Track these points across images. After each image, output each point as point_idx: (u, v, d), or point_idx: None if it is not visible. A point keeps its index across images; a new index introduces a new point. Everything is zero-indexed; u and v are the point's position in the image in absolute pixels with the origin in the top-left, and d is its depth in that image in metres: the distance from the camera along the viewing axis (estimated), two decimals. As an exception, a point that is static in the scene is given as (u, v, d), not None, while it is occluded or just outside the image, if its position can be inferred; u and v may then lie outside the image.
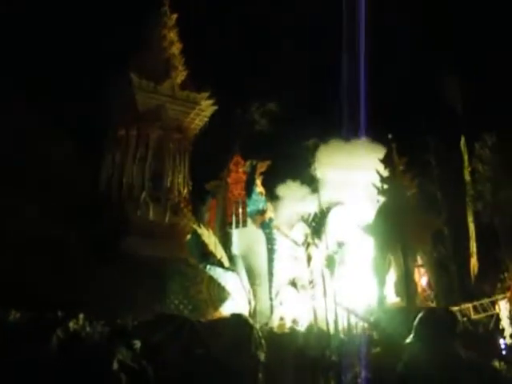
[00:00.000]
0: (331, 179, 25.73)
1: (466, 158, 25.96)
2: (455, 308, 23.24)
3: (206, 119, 28.30)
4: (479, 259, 25.19)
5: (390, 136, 21.76)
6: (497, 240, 23.86)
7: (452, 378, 3.44)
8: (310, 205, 26.49)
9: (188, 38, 29.53)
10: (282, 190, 29.20)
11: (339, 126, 30.57)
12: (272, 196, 28.64)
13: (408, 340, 3.83)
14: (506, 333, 23.52)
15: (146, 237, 22.42)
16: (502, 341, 23.56)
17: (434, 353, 3.55)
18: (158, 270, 20.98)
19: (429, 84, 31.37)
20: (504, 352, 22.76)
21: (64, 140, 23.57)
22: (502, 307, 23.37)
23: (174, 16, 29.21)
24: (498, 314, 23.95)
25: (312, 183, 26.86)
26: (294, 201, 28.19)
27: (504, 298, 23.17)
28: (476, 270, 24.70)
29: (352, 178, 25.89)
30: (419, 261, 18.65)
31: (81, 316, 11.28)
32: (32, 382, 5.63)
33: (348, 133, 29.47)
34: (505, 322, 23.29)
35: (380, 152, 22.62)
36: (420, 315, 3.82)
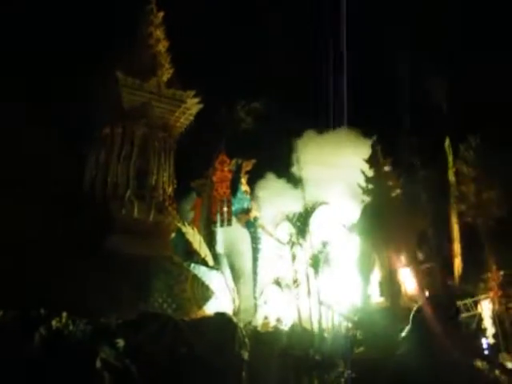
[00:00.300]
0: (314, 177, 25.81)
1: (450, 159, 26.11)
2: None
3: (191, 117, 28.21)
4: (463, 260, 25.34)
5: (374, 137, 21.89)
6: (480, 241, 24.02)
7: (437, 376, 3.44)
8: (294, 204, 26.58)
9: (175, 36, 29.43)
10: (267, 188, 29.24)
11: (323, 125, 30.79)
12: (257, 195, 28.69)
13: (404, 332, 3.81)
14: (489, 332, 23.72)
15: (130, 235, 22.31)
16: (484, 340, 23.78)
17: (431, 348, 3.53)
18: (142, 268, 20.90)
19: (414, 84, 31.52)
20: (486, 352, 22.94)
21: (48, 138, 23.39)
22: (485, 307, 23.56)
23: (161, 14, 29.11)
24: (480, 314, 24.14)
25: (297, 182, 26.96)
26: (279, 200, 28.24)
27: (487, 298, 23.36)
28: (460, 270, 24.84)
29: (334, 172, 26.03)
30: (403, 261, 18.76)
31: (64, 314, 11.22)
32: (15, 380, 5.59)
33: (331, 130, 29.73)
34: (487, 322, 23.48)
35: (361, 143, 22.78)
36: (418, 304, 3.80)
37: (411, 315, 3.80)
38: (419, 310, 3.74)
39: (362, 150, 23.36)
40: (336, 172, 26.99)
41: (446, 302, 3.81)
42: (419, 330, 3.65)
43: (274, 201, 28.56)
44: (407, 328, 3.77)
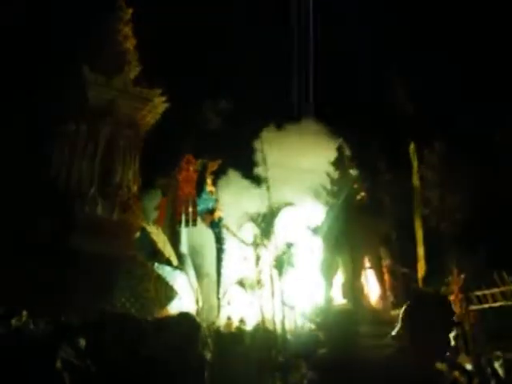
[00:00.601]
0: (277, 177, 25.88)
1: (415, 163, 26.41)
2: (401, 310, 23.65)
3: (158, 116, 28.10)
4: (426, 263, 25.63)
5: (340, 140, 22.02)
6: (443, 245, 24.36)
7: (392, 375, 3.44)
8: (259, 204, 26.61)
9: (143, 33, 29.24)
10: (232, 189, 29.21)
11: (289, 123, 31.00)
12: (222, 195, 28.65)
13: (394, 332, 3.76)
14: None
15: (93, 233, 22.09)
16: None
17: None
18: (104, 267, 20.69)
19: (380, 87, 31.81)
20: (447, 354, 23.13)
21: (10, 135, 23.05)
22: (446, 310, 23.90)
23: (130, 10, 28.90)
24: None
25: (261, 182, 27.00)
26: (244, 200, 28.24)
27: (448, 301, 23.67)
28: (424, 273, 25.14)
29: (298, 173, 26.16)
30: (367, 263, 18.91)
31: (24, 313, 11.05)
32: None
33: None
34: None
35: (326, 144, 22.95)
36: (406, 303, 3.68)
37: (402, 313, 3.67)
38: (412, 308, 3.61)
39: (327, 151, 23.51)
40: (300, 173, 27.12)
41: (441, 300, 3.69)
42: (410, 329, 3.56)
43: (238, 201, 28.56)
44: (397, 327, 3.71)
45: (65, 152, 25.27)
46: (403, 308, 3.67)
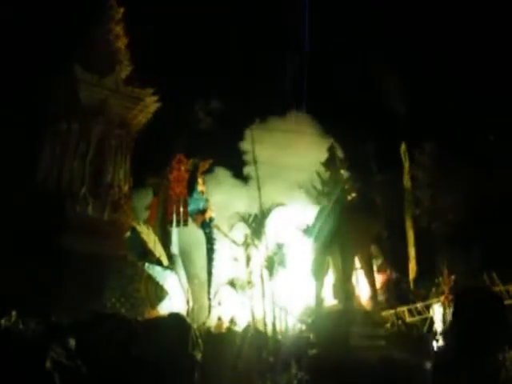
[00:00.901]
0: (268, 177, 25.89)
1: (406, 164, 26.49)
2: (391, 311, 23.75)
3: (149, 116, 28.02)
4: (417, 264, 25.73)
5: (332, 141, 22.05)
6: (433, 245, 24.46)
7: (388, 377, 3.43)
8: (250, 205, 26.62)
9: (135, 33, 29.14)
10: (223, 189, 29.21)
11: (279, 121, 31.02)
12: (213, 195, 28.64)
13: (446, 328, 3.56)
14: (439, 336, 24.15)
15: (84, 233, 21.98)
16: (434, 344, 24.21)
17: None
18: (95, 267, 20.64)
19: (372, 88, 31.87)
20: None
21: (2, 132, 22.95)
22: (436, 311, 24.01)
23: (121, 10, 28.77)
24: (432, 318, 24.59)
25: (252, 182, 27.00)
26: (235, 200, 28.23)
27: (438, 302, 23.80)
28: (414, 274, 25.23)
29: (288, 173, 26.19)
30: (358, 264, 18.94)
31: (13, 313, 11.01)
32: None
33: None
34: (438, 326, 23.93)
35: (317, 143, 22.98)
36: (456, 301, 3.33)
37: (453, 309, 3.29)
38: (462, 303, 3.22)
39: (318, 150, 23.56)
40: (290, 172, 27.20)
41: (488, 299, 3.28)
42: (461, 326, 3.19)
43: (230, 201, 28.58)
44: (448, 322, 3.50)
45: (56, 151, 25.14)
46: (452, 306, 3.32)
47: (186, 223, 25.89)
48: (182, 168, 26.63)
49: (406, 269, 26.01)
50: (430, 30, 32.92)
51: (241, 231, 27.35)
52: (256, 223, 26.13)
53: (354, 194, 19.54)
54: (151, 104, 27.48)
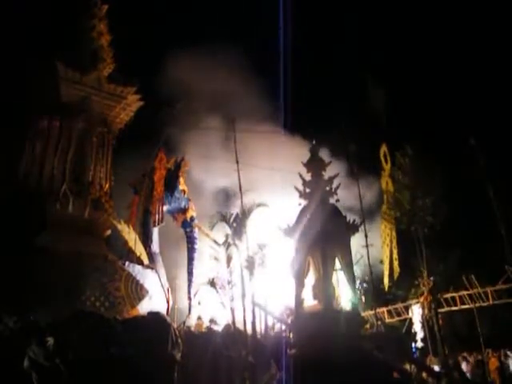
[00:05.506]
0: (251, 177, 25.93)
1: (387, 166, 26.60)
2: (371, 312, 23.91)
3: (131, 114, 27.89)
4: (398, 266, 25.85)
5: (313, 142, 22.10)
6: (413, 247, 24.59)
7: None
8: (231, 205, 26.62)
9: (118, 30, 29.00)
10: (206, 188, 29.19)
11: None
12: (194, 194, 28.63)
13: None
14: (418, 337, 24.35)
15: (64, 231, 21.81)
16: (413, 344, 24.40)
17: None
18: (75, 265, 20.50)
19: (353, 91, 32.05)
20: (415, 355, 23.51)
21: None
22: (415, 312, 24.20)
23: (105, 7, 28.60)
24: (411, 319, 24.77)
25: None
26: (216, 200, 28.24)
27: (417, 303, 23.99)
28: (397, 275, 25.32)
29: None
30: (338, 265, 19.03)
31: (-9, 311, 10.91)
32: None
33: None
34: (417, 327, 24.12)
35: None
36: None
37: None
38: None
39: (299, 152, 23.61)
40: (273, 173, 27.26)
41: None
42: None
43: (211, 201, 28.59)
44: None
45: (37, 149, 24.93)
46: None
47: (161, 221, 26.03)
48: (162, 167, 26.65)
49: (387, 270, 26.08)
50: (413, 32, 33.24)
51: (222, 231, 27.34)
52: (237, 223, 26.12)
53: (335, 196, 19.64)
54: (133, 102, 27.36)
